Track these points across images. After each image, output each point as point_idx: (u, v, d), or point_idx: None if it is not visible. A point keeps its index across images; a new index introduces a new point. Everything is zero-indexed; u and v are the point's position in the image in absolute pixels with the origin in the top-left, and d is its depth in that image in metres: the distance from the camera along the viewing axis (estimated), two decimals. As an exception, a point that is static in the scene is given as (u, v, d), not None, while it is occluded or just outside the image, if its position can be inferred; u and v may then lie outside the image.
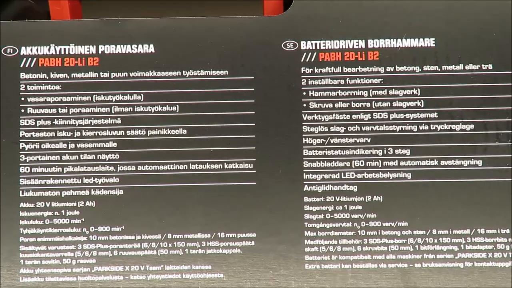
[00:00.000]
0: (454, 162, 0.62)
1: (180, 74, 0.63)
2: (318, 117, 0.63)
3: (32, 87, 0.63)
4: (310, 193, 0.62)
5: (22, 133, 0.62)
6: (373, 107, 0.63)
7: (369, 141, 0.63)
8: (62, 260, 0.61)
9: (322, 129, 0.63)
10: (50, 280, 0.61)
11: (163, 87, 0.63)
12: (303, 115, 0.63)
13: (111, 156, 0.62)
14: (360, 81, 0.63)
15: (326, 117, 0.63)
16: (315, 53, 0.63)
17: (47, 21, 0.64)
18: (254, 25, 0.63)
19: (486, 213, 0.62)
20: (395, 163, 0.62)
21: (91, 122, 0.63)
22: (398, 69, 0.63)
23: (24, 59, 0.63)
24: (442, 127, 0.62)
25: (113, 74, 0.63)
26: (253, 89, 0.63)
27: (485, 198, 0.62)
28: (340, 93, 0.63)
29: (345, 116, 0.63)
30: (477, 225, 0.62)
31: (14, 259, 0.61)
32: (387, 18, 0.63)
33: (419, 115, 0.63)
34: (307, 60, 0.63)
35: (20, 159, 0.62)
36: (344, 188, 0.62)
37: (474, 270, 0.61)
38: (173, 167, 0.62)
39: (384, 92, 0.63)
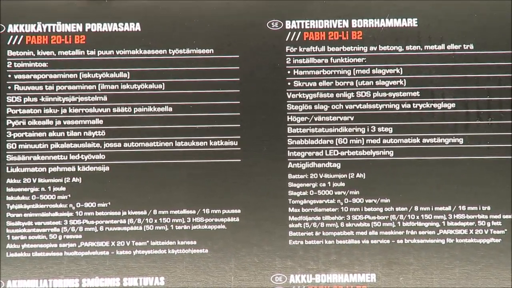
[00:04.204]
0: (436, 140, 0.63)
1: (166, 52, 0.64)
2: (302, 96, 0.64)
3: (19, 64, 0.63)
4: (294, 170, 0.63)
5: (9, 109, 0.63)
6: (357, 85, 0.64)
7: (352, 119, 0.63)
8: (49, 235, 0.62)
9: (306, 107, 0.64)
10: (36, 255, 0.62)
11: (149, 65, 0.63)
12: (287, 93, 0.64)
13: (97, 133, 0.63)
14: (344, 60, 0.64)
15: (310, 95, 0.64)
16: (299, 33, 0.64)
17: (34, -1, 0.65)
18: (239, 5, 0.64)
19: (467, 190, 0.63)
20: (378, 141, 0.63)
21: (77, 100, 0.63)
22: (381, 48, 0.64)
23: (11, 36, 0.63)
24: (424, 105, 0.63)
25: (99, 52, 0.64)
26: (238, 67, 0.64)
27: (466, 176, 0.63)
28: (324, 72, 0.64)
29: (329, 95, 0.64)
30: (458, 202, 0.63)
31: (1, 235, 0.62)
32: (371, -1, 0.65)
33: (402, 94, 0.64)
34: (291, 39, 0.64)
35: (7, 136, 0.63)
36: (327, 165, 0.63)
37: (456, 246, 0.62)
38: (158, 144, 0.63)
39: (367, 71, 0.64)
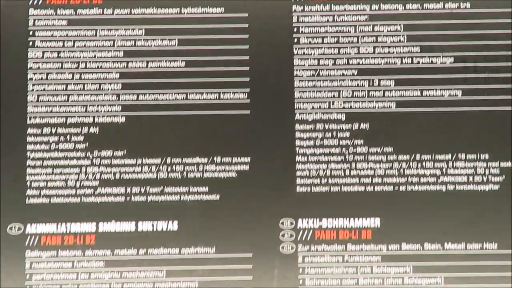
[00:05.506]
0: (436, 92, 0.66)
1: (178, 11, 0.67)
2: (308, 51, 0.67)
3: (40, 22, 0.67)
4: (301, 121, 0.66)
5: (30, 64, 0.66)
6: (360, 42, 0.67)
7: (356, 73, 0.67)
8: (67, 182, 0.65)
9: (312, 62, 0.67)
10: (55, 201, 0.64)
11: (162, 23, 0.67)
12: (294, 49, 0.67)
13: (114, 86, 0.66)
14: (347, 18, 0.67)
15: (316, 51, 0.67)
16: (305, -8, 0.68)
17: (55, -39, 0.68)
18: (248, -34, 0.68)
19: (466, 139, 0.66)
20: (380, 94, 0.66)
21: (95, 55, 0.67)
22: (382, 7, 0.68)
23: (33, -5, 0.67)
24: (424, 60, 0.67)
25: (116, 11, 0.67)
26: (247, 25, 0.67)
27: (465, 126, 0.66)
28: (329, 29, 0.67)
29: (334, 50, 0.67)
30: (458, 150, 0.66)
31: (21, 181, 0.64)
32: (372, -40, 0.68)
33: (403, 49, 0.67)
34: (298, -1, 0.68)
35: (28, 89, 0.66)
36: (333, 116, 0.66)
37: (455, 193, 0.65)
38: (172, 96, 0.66)
39: (370, 28, 0.67)
